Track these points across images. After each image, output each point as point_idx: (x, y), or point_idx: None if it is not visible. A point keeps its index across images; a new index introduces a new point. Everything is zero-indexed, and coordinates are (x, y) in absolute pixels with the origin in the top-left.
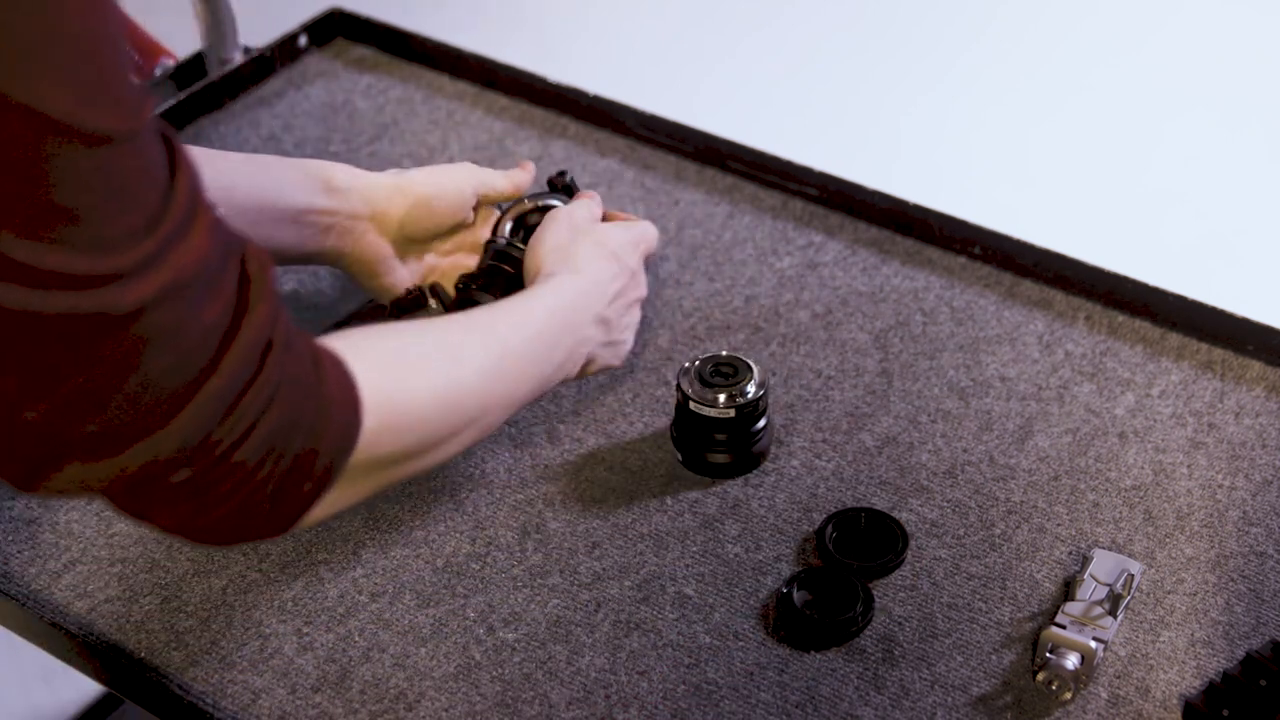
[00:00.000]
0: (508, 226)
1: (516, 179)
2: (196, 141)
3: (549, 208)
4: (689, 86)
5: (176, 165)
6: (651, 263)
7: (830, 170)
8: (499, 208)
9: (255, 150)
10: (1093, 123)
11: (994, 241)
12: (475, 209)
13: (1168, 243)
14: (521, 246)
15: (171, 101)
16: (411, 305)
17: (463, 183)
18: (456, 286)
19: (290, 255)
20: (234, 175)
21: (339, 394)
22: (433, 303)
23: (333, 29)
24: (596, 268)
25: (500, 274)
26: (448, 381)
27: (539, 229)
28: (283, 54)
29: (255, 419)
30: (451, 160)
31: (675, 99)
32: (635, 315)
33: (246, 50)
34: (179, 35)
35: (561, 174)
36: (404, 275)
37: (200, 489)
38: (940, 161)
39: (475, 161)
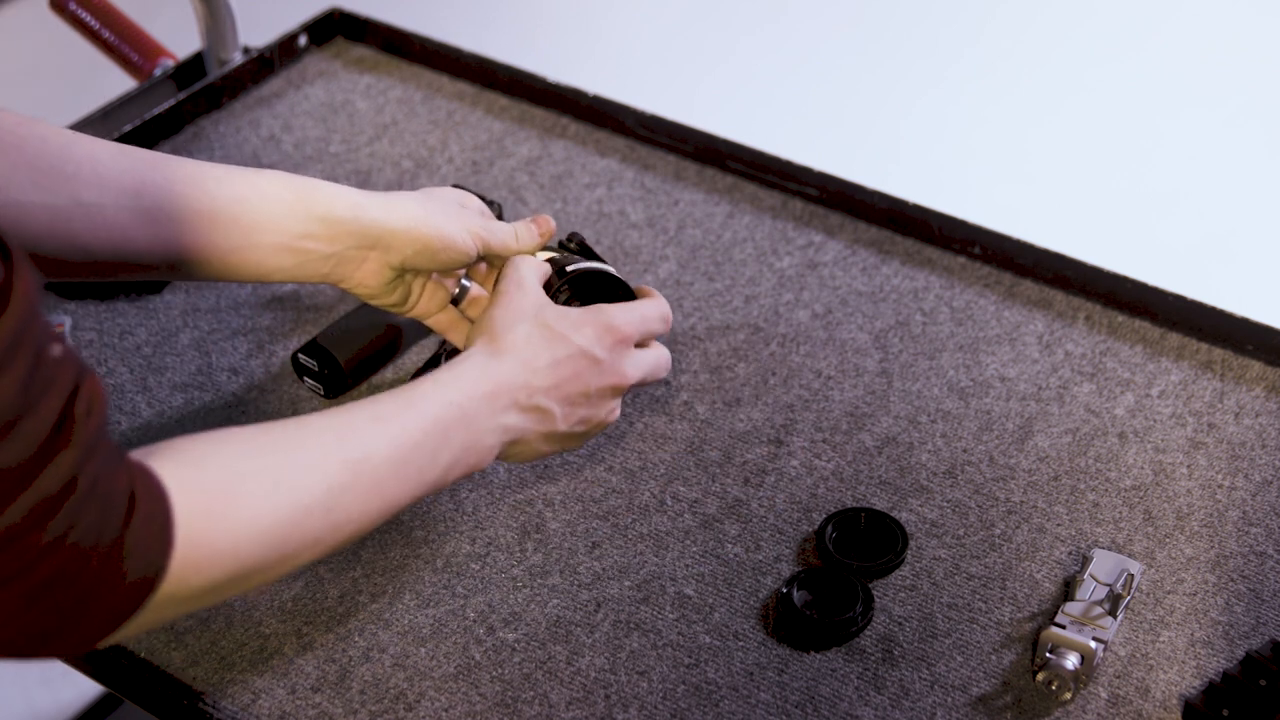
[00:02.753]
0: None
1: (525, 239)
2: (196, 141)
3: (583, 273)
4: (689, 86)
5: (9, 294)
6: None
7: (830, 170)
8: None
9: (255, 151)
10: (1092, 123)
11: (994, 241)
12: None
13: (1167, 243)
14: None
15: (171, 102)
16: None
17: (469, 241)
18: None
19: (281, 279)
20: (217, 198)
21: (144, 539)
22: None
23: (332, 29)
24: (529, 349)
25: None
26: (277, 509)
27: (497, 282)
28: (283, 54)
29: (36, 557)
30: (451, 161)
31: (675, 99)
32: (602, 409)
33: (246, 50)
34: (179, 35)
35: (572, 236)
36: (402, 293)
37: None
38: (940, 161)
39: (475, 162)
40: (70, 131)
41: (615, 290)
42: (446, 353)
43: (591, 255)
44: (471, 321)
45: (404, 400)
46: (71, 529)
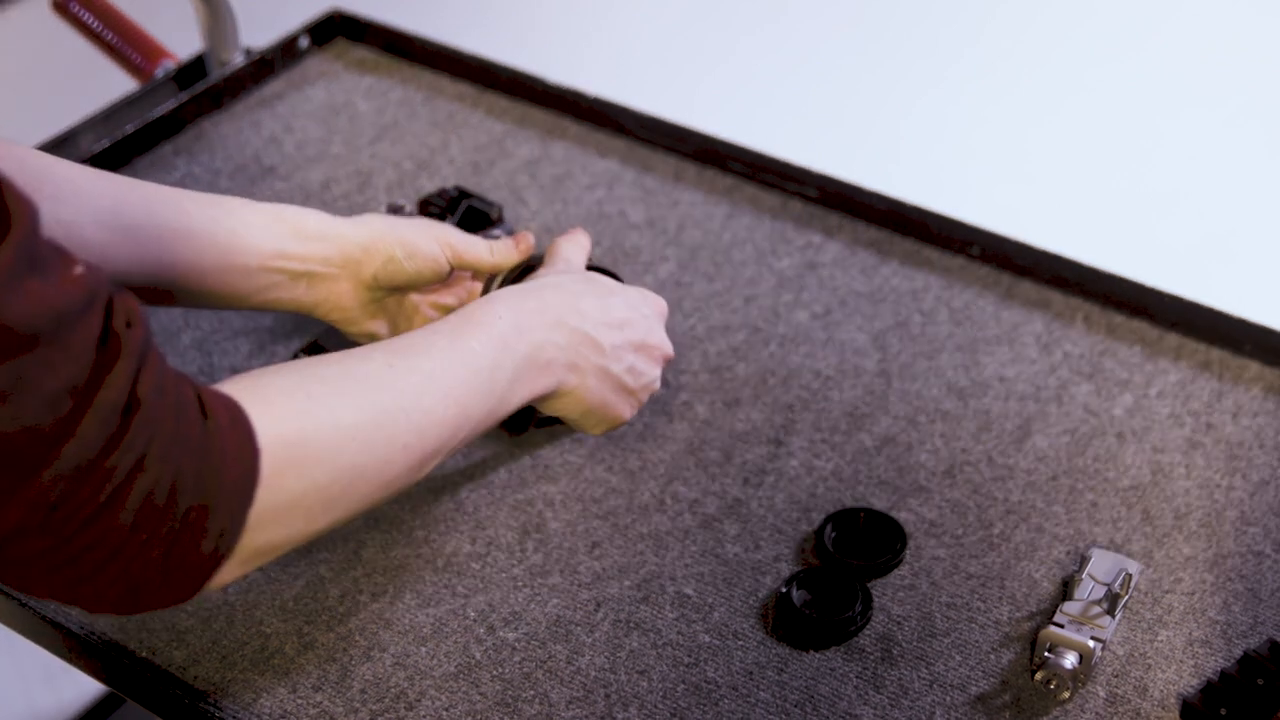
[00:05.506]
0: (497, 289)
1: (500, 258)
2: (198, 142)
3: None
4: (689, 87)
5: (8, 214)
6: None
7: (829, 171)
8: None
9: (257, 152)
10: (1091, 123)
11: (992, 242)
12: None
13: (1166, 243)
14: None
15: (173, 103)
16: None
17: (437, 250)
18: None
19: (258, 303)
20: (194, 216)
21: (231, 443)
22: None
23: (333, 30)
24: (574, 286)
25: None
26: (359, 407)
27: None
28: (284, 55)
29: (123, 482)
30: (452, 162)
31: (675, 99)
32: (650, 369)
33: (247, 51)
34: (180, 36)
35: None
36: (382, 324)
37: (70, 558)
38: (939, 162)
39: (475, 163)
40: (49, 155)
41: None
42: None
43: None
44: None
45: (456, 319)
46: (151, 445)
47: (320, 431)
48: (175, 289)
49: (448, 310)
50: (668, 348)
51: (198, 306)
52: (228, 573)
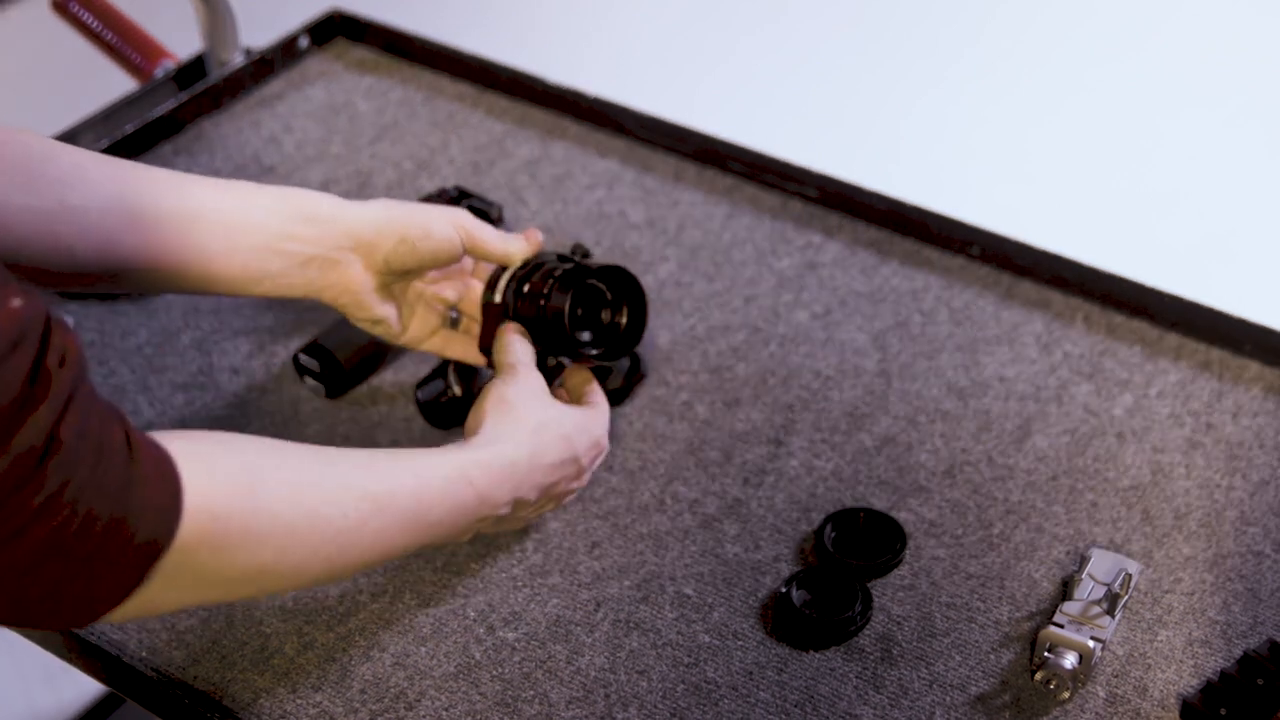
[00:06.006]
0: (505, 286)
1: (511, 246)
2: (198, 142)
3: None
4: (689, 87)
5: None
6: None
7: (829, 171)
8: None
9: (256, 152)
10: (1091, 123)
11: (992, 242)
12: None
13: (1166, 243)
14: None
15: (172, 103)
16: (433, 381)
17: (451, 231)
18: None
19: (268, 288)
20: (201, 199)
21: (152, 496)
22: (453, 382)
23: (333, 30)
24: (541, 446)
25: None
26: (296, 506)
27: (495, 377)
28: (283, 55)
29: (31, 520)
30: (452, 162)
31: (675, 100)
32: (552, 507)
33: (247, 51)
34: (179, 36)
35: (576, 248)
36: (390, 309)
37: None
38: (939, 162)
39: (475, 163)
40: (55, 140)
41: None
42: (454, 367)
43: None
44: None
45: (432, 458)
46: (66, 485)
47: (253, 517)
48: (183, 273)
49: (447, 303)
50: (585, 482)
51: (208, 292)
52: (115, 616)
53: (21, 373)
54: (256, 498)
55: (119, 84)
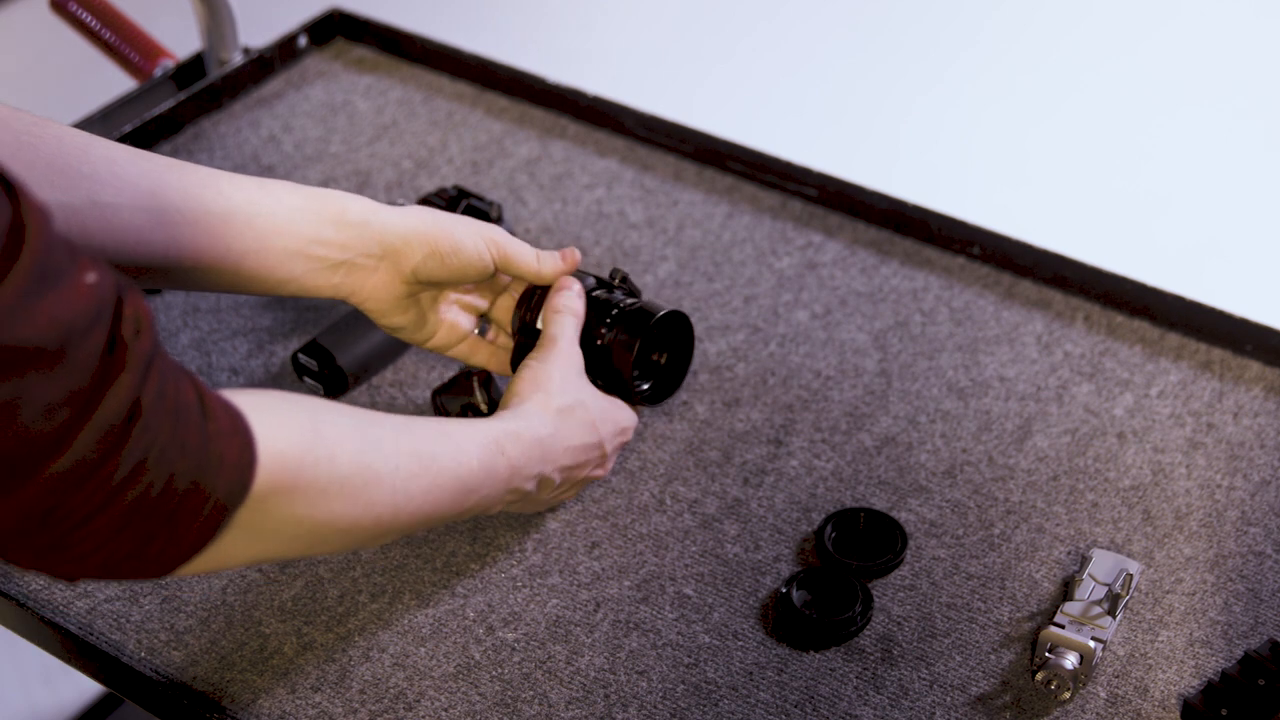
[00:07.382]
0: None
1: (546, 267)
2: (196, 142)
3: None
4: (688, 86)
5: (23, 228)
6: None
7: (829, 170)
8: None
9: (255, 151)
10: (1091, 123)
11: (993, 242)
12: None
13: (1166, 243)
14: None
15: (171, 103)
16: (456, 391)
17: (483, 248)
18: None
19: (294, 289)
20: (232, 199)
21: (230, 449)
22: (479, 394)
23: (332, 29)
24: (570, 426)
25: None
26: (355, 461)
27: (536, 349)
28: (282, 54)
29: (118, 486)
30: (451, 161)
31: (675, 99)
32: (572, 494)
33: (246, 51)
34: (179, 36)
35: (615, 273)
36: (417, 316)
37: (61, 547)
38: (939, 162)
39: (475, 163)
40: (87, 134)
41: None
42: (479, 380)
43: (637, 295)
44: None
45: (466, 427)
46: (149, 450)
47: (318, 467)
48: (212, 273)
49: (477, 311)
50: (608, 469)
51: (234, 291)
52: (189, 569)
53: (99, 345)
54: (321, 449)
55: (118, 83)
